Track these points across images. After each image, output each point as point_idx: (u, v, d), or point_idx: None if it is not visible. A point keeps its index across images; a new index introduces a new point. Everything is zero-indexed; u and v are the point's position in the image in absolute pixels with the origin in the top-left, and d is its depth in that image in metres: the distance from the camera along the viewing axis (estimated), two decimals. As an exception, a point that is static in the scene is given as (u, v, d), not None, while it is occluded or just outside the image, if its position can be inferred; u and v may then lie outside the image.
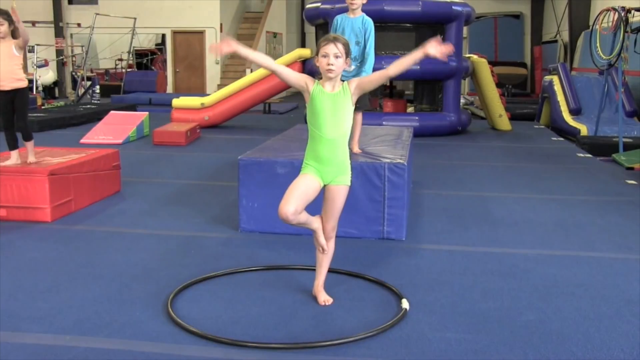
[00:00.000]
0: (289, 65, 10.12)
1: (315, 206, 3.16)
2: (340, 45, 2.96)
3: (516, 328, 2.96)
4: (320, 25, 10.42)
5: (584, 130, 10.18)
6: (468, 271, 3.77)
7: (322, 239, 3.15)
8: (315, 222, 3.14)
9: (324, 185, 3.11)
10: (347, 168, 3.12)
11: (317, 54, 3.01)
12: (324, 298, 3.22)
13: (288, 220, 2.98)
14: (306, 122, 3.17)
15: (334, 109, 3.01)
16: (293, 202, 2.97)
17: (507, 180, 6.77)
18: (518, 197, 5.87)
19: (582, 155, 8.55)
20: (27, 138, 5.18)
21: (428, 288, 3.48)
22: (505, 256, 4.07)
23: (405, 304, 3.16)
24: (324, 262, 3.23)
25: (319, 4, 10.00)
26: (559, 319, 3.07)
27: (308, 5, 10.61)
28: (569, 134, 10.61)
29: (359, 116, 4.84)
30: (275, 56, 18.78)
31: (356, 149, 4.75)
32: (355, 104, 4.73)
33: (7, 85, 5.04)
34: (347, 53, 3.00)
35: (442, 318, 3.07)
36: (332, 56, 2.95)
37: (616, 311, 3.17)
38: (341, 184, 3.10)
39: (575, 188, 6.36)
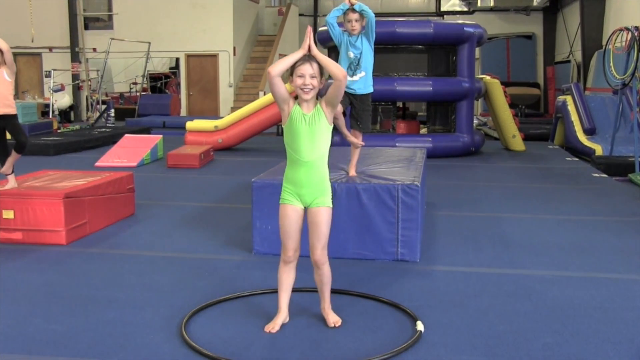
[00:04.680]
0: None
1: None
2: (315, 65, 2.98)
3: (533, 351, 2.92)
4: (333, 47, 10.48)
5: (598, 150, 10.11)
6: (483, 293, 3.74)
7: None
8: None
9: (305, 208, 3.11)
10: (327, 189, 3.11)
11: (291, 74, 3.01)
12: (334, 320, 3.20)
13: (294, 259, 3.13)
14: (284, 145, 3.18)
15: (310, 131, 3.02)
16: (291, 246, 3.11)
17: (521, 200, 6.72)
18: (533, 218, 5.82)
19: (597, 175, 8.49)
20: (21, 151, 5.17)
21: (443, 310, 3.44)
22: (521, 278, 4.03)
23: (420, 326, 3.13)
24: (324, 288, 3.22)
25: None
26: (577, 342, 3.02)
27: (320, 28, 10.70)
28: (583, 154, 10.54)
29: (360, 138, 4.80)
30: (287, 78, 18.88)
31: (352, 172, 4.71)
32: (357, 125, 4.72)
33: (0, 110, 5.05)
34: (322, 72, 3.01)
35: (458, 341, 3.03)
36: (308, 76, 2.97)
37: (636, 334, 3.12)
38: (322, 205, 3.09)
39: (591, 208, 6.30)
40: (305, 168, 3.04)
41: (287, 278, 3.18)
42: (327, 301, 3.24)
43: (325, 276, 3.17)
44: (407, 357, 2.84)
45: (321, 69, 3.00)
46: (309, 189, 3.06)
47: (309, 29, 3.06)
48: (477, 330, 3.16)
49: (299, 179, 3.06)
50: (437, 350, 2.92)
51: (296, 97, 3.07)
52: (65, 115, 17.42)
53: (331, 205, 3.13)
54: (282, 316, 3.18)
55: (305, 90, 2.98)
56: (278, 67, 2.94)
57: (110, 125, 15.12)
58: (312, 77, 2.97)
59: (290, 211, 3.08)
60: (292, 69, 3.00)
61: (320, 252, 3.11)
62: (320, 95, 3.09)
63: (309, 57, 2.99)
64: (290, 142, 3.06)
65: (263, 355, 2.88)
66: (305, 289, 3.76)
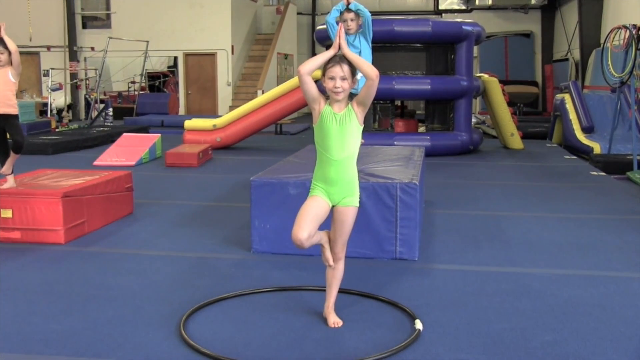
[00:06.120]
0: (299, 87, 10.16)
1: (325, 223, 3.15)
2: (346, 67, 2.98)
3: (532, 349, 2.92)
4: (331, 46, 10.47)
5: (597, 148, 10.12)
6: (482, 291, 3.74)
7: (328, 253, 3.15)
8: (324, 237, 3.15)
9: (332, 207, 3.11)
10: (355, 189, 3.12)
11: (323, 75, 3.03)
12: (334, 320, 3.20)
13: (302, 245, 2.99)
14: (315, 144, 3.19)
15: (340, 130, 3.02)
16: (306, 228, 2.98)
17: (520, 199, 6.72)
18: (532, 216, 5.83)
19: (595, 173, 8.49)
20: (18, 151, 5.19)
21: (441, 308, 3.44)
22: (520, 276, 4.04)
23: (418, 324, 3.13)
24: (334, 284, 3.22)
25: (329, 26, 10.06)
26: (575, 340, 3.03)
27: (319, 27, 10.69)
28: (581, 152, 10.55)
29: None
30: (286, 77, 18.91)
31: None
32: None
33: (0, 110, 5.04)
34: (353, 73, 3.01)
35: (456, 339, 3.03)
36: (339, 79, 2.97)
37: (635, 332, 3.12)
38: (349, 205, 3.10)
39: (590, 206, 6.30)
40: (335, 167, 3.04)
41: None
42: (333, 300, 3.24)
43: (338, 271, 3.19)
44: (406, 356, 2.84)
45: (353, 69, 3.00)
46: (338, 187, 3.06)
47: (341, 27, 3.07)
48: (475, 329, 3.16)
49: (330, 177, 3.06)
50: (435, 348, 2.93)
51: (327, 97, 3.07)
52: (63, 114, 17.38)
53: (358, 206, 3.14)
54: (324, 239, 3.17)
55: (336, 92, 2.99)
56: (308, 65, 2.97)
57: (108, 124, 15.09)
58: (343, 79, 2.98)
59: (319, 200, 3.07)
60: (323, 70, 3.01)
61: (340, 247, 3.15)
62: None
63: (340, 58, 2.99)
64: (321, 141, 3.07)
65: (262, 353, 2.88)
66: (305, 288, 3.76)
